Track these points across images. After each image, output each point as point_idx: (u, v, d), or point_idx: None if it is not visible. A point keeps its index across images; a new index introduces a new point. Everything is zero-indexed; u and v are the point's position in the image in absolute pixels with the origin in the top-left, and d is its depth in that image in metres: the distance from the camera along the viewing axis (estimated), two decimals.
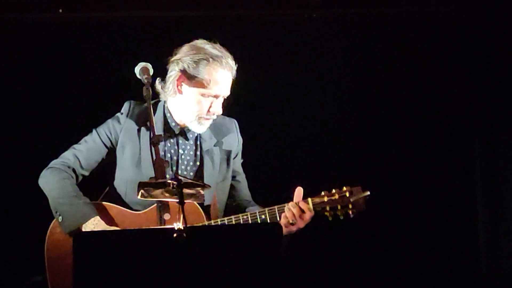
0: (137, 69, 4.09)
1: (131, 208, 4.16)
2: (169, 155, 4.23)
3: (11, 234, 5.13)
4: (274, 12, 5.32)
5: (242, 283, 3.34)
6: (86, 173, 4.21)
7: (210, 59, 4.13)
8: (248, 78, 5.04)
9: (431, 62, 5.38)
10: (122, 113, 4.26)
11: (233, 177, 4.35)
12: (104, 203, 4.16)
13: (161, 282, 3.29)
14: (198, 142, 4.27)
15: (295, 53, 5.35)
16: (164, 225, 3.93)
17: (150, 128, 3.86)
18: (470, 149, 5.44)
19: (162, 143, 4.17)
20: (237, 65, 4.21)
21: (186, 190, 3.45)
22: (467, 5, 5.32)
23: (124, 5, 5.23)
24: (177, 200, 3.41)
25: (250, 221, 4.02)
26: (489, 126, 5.41)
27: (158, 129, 4.18)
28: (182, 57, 4.17)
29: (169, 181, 3.46)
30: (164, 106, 4.28)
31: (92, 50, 5.20)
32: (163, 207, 3.94)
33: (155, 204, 4.09)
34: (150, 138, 3.88)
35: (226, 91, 4.18)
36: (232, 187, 4.33)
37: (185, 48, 4.22)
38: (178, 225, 3.26)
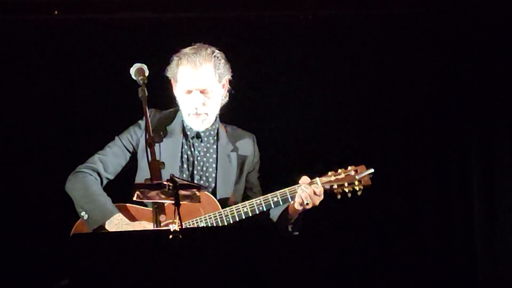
0: (132, 70, 4.11)
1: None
2: (185, 156, 4.39)
3: (35, 236, 5.15)
4: (270, 14, 5.32)
5: (238, 284, 3.34)
6: (111, 177, 4.42)
7: (175, 58, 4.38)
8: (243, 79, 5.06)
9: (427, 64, 5.38)
10: (143, 120, 4.39)
11: (250, 189, 4.49)
12: (123, 204, 4.32)
13: (157, 283, 3.29)
14: (215, 146, 4.43)
15: (290, 54, 5.35)
16: (160, 226, 3.92)
17: (146, 129, 3.88)
18: (467, 150, 5.44)
19: (179, 146, 4.38)
20: (213, 60, 4.33)
21: (182, 192, 3.45)
22: (462, 7, 5.32)
23: (120, 6, 5.22)
24: (173, 202, 3.40)
25: (263, 205, 4.22)
26: (486, 127, 5.41)
27: (177, 134, 4.40)
28: (168, 65, 4.43)
29: (165, 182, 3.46)
30: (181, 113, 4.46)
31: (87, 52, 5.20)
32: (159, 208, 3.94)
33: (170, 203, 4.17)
34: (146, 139, 3.88)
35: (194, 85, 4.32)
36: (248, 198, 4.42)
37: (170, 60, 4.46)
38: (174, 226, 3.26)
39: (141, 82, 4.03)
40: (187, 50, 4.36)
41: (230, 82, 4.45)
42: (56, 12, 5.16)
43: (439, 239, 5.43)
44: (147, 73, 4.08)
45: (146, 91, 4.00)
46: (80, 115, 5.24)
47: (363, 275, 5.37)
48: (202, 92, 4.32)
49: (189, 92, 4.33)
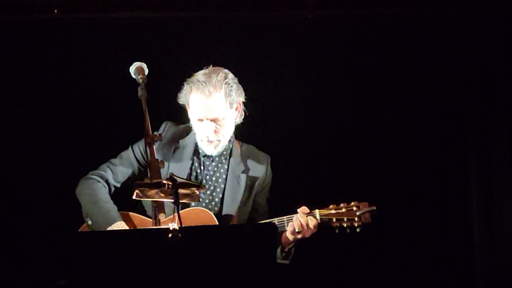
0: (131, 69, 4.11)
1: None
2: (194, 174, 4.41)
3: (39, 237, 5.13)
4: (270, 14, 5.32)
5: (237, 283, 3.34)
6: (118, 185, 4.43)
7: (186, 85, 4.36)
8: (243, 80, 5.05)
9: (427, 63, 5.38)
10: (157, 131, 4.41)
11: (256, 210, 4.49)
12: (129, 213, 4.35)
13: (156, 282, 3.29)
14: (227, 166, 4.43)
15: (290, 54, 5.34)
16: (159, 225, 3.92)
17: (145, 129, 3.87)
18: (466, 149, 5.44)
19: (189, 163, 4.40)
20: (224, 87, 4.30)
21: (181, 190, 3.45)
22: (462, 6, 5.32)
23: (120, 6, 5.22)
24: (172, 200, 3.40)
25: None
26: (485, 126, 5.41)
27: (188, 151, 4.41)
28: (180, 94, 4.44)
29: (164, 181, 3.46)
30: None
31: (87, 51, 5.19)
32: (158, 207, 3.94)
33: (173, 215, 4.20)
34: (145, 139, 3.88)
35: (205, 114, 4.31)
36: (253, 218, 4.45)
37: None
38: (173, 225, 3.26)
39: (140, 81, 4.03)
40: (199, 76, 4.32)
41: (245, 103, 4.44)
42: (55, 11, 5.16)
43: (437, 242, 5.43)
44: (146, 72, 4.08)
45: (145, 90, 3.99)
46: (79, 115, 5.24)
47: (360, 273, 5.37)
48: (213, 120, 4.31)
49: (201, 120, 4.31)
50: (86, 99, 5.24)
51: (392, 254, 5.39)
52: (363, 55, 5.37)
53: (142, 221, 4.30)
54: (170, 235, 3.24)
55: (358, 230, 4.24)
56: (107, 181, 4.39)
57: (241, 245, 3.39)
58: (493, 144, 5.42)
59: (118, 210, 4.33)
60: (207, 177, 4.41)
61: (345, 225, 4.22)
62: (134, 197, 3.51)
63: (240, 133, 4.57)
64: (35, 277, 4.88)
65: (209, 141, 4.33)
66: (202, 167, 4.41)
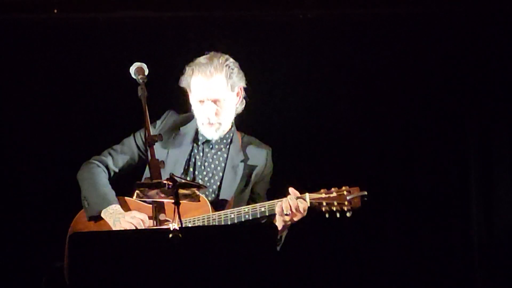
0: (132, 69, 4.11)
1: None
2: (193, 160, 4.41)
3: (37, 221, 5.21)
4: (269, 13, 5.32)
5: (238, 283, 3.34)
6: (118, 171, 4.47)
7: (188, 68, 4.38)
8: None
9: (426, 62, 5.38)
10: (160, 119, 4.48)
11: (253, 199, 4.46)
12: (125, 197, 4.37)
13: (157, 282, 3.29)
14: (226, 155, 4.43)
15: (290, 54, 5.35)
16: (160, 225, 3.92)
17: (145, 129, 3.87)
18: (466, 148, 5.44)
19: (188, 149, 4.40)
20: (225, 69, 4.33)
21: (181, 191, 3.44)
22: (462, 5, 5.32)
23: (119, 5, 5.22)
24: (173, 201, 3.40)
25: (250, 214, 4.16)
26: (485, 125, 5.42)
27: (189, 137, 4.42)
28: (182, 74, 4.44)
29: (164, 181, 3.46)
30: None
31: (87, 51, 5.19)
32: (159, 207, 3.94)
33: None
34: (145, 139, 3.88)
35: (206, 95, 4.32)
36: None
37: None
38: (174, 225, 3.26)
39: (140, 81, 4.04)
40: (200, 59, 4.36)
41: (246, 90, 4.45)
42: (55, 11, 5.16)
43: (437, 237, 5.44)
44: (146, 72, 4.08)
45: (145, 90, 4.00)
46: (79, 114, 5.24)
47: (358, 271, 5.38)
48: (214, 102, 4.33)
49: (202, 102, 4.33)
50: (86, 98, 5.24)
51: (392, 254, 5.40)
52: (363, 53, 5.38)
53: (139, 205, 4.29)
54: (170, 235, 3.23)
55: (348, 214, 4.15)
56: (107, 166, 4.43)
57: (242, 245, 3.39)
58: (493, 141, 5.43)
59: (117, 195, 4.35)
60: (206, 163, 4.41)
61: (334, 209, 4.14)
62: (134, 197, 3.51)
63: (242, 127, 4.57)
64: (33, 277, 4.88)
65: (210, 123, 4.34)
66: (201, 154, 4.42)
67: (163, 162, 3.80)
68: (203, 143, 4.43)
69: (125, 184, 4.42)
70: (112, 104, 5.20)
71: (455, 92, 5.41)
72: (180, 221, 3.33)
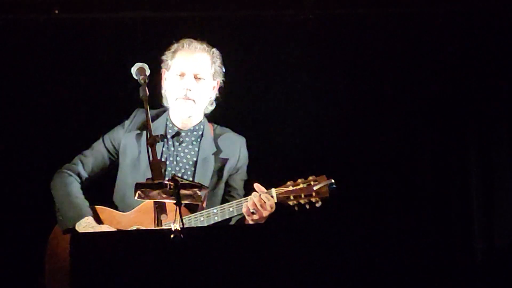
0: (133, 70, 4.11)
1: (130, 209, 4.29)
2: (165, 156, 4.36)
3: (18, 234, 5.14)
4: (270, 13, 5.32)
5: (239, 283, 3.34)
6: (91, 177, 4.42)
7: (176, 45, 4.40)
8: (243, 79, 5.06)
9: (427, 63, 5.38)
10: (129, 118, 4.44)
11: (229, 192, 4.43)
12: (97, 206, 4.33)
13: (158, 283, 3.29)
14: (197, 149, 4.37)
15: (291, 54, 5.35)
16: (161, 226, 3.92)
17: (147, 130, 3.87)
18: (466, 148, 5.45)
19: (160, 145, 4.34)
20: (211, 54, 4.38)
21: (183, 191, 3.44)
22: (464, 5, 5.32)
23: (120, 5, 5.22)
24: (174, 201, 3.40)
25: (219, 215, 4.12)
26: (485, 125, 5.42)
27: (159, 133, 4.28)
28: (163, 59, 4.44)
29: (166, 182, 3.46)
30: (167, 112, 4.45)
31: (88, 51, 5.19)
32: (160, 208, 3.94)
33: (139, 207, 4.23)
34: (147, 139, 3.88)
35: (189, 68, 4.32)
36: (226, 201, 4.37)
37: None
38: (175, 226, 3.26)
39: (142, 81, 4.03)
40: (186, 39, 4.40)
41: (221, 88, 4.44)
42: (56, 11, 5.16)
43: (437, 236, 5.44)
44: (148, 73, 4.08)
45: (147, 91, 4.00)
46: (80, 114, 5.24)
47: (357, 268, 5.38)
48: (195, 77, 4.32)
49: (183, 75, 4.32)
50: (87, 98, 5.23)
51: (392, 255, 5.40)
52: (363, 54, 5.38)
53: (110, 215, 4.29)
54: (172, 235, 3.23)
55: (318, 205, 4.09)
56: (78, 174, 4.38)
57: (244, 245, 3.40)
58: (493, 141, 5.43)
59: (91, 203, 4.32)
60: (177, 158, 4.36)
61: (303, 202, 4.07)
62: (136, 197, 3.51)
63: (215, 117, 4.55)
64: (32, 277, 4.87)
65: (186, 97, 4.30)
66: (172, 148, 4.37)
67: (164, 162, 3.80)
68: (172, 137, 4.38)
69: (95, 190, 4.41)
70: (114, 104, 5.18)
71: (455, 93, 5.42)
72: (182, 221, 3.33)
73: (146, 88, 4.01)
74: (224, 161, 4.39)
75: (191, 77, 4.32)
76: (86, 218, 4.23)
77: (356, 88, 5.39)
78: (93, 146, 4.44)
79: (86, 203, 4.30)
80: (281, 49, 5.35)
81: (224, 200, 4.38)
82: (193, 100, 4.33)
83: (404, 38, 5.36)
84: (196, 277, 3.31)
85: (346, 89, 5.39)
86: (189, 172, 4.34)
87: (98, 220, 4.27)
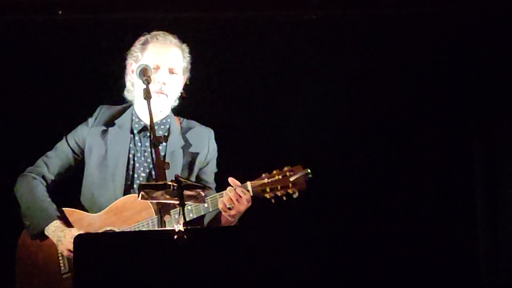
0: (136, 70, 4.09)
1: (97, 210, 4.21)
2: (132, 152, 4.27)
3: None
4: (274, 14, 5.32)
5: (243, 284, 3.34)
6: (57, 179, 4.33)
7: (150, 38, 4.28)
8: (248, 79, 5.06)
9: (431, 62, 5.38)
10: (92, 116, 4.35)
11: None
12: (65, 208, 4.25)
13: (162, 284, 3.28)
14: (165, 144, 4.29)
15: (294, 55, 5.35)
16: (164, 227, 3.91)
17: (150, 131, 3.84)
18: (470, 147, 5.45)
19: (127, 141, 4.26)
20: (182, 48, 4.31)
21: (186, 192, 3.44)
22: (467, 5, 5.31)
23: (123, 6, 5.22)
24: (178, 202, 3.40)
25: (193, 212, 4.03)
26: (489, 124, 5.42)
27: (125, 129, 4.28)
28: (129, 50, 4.34)
29: (169, 182, 3.45)
30: (132, 107, 4.36)
31: (92, 51, 5.19)
32: (163, 209, 3.93)
33: (109, 207, 4.17)
34: (150, 140, 3.86)
35: (164, 61, 4.24)
36: None
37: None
38: (179, 226, 3.25)
39: (145, 82, 4.00)
40: (155, 32, 4.30)
41: (186, 85, 4.36)
42: (59, 12, 5.16)
43: (442, 238, 5.44)
44: (150, 73, 4.07)
45: (150, 91, 3.97)
46: (82, 114, 5.23)
47: (363, 272, 5.38)
48: (170, 71, 4.24)
49: (157, 68, 4.22)
50: (89, 97, 5.21)
51: (395, 255, 5.40)
52: (367, 54, 5.38)
53: (79, 216, 4.21)
54: (175, 236, 3.23)
55: (295, 196, 4.00)
56: (43, 176, 4.28)
57: (248, 246, 3.39)
58: (497, 142, 5.44)
59: (58, 206, 4.23)
60: (145, 153, 4.27)
61: (279, 194, 3.99)
62: (139, 198, 3.50)
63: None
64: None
65: (160, 91, 4.21)
66: (139, 144, 4.28)
67: (168, 163, 3.77)
68: (139, 132, 4.29)
69: (61, 192, 4.32)
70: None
71: (459, 92, 5.42)
72: (185, 222, 3.32)
73: (149, 89, 3.99)
74: (194, 155, 4.31)
75: (165, 71, 4.24)
76: (54, 221, 4.15)
77: (361, 89, 5.40)
78: (57, 146, 4.34)
79: (54, 206, 4.21)
80: (285, 49, 5.35)
81: None
82: (166, 95, 4.25)
83: (409, 38, 5.36)
84: (199, 278, 3.31)
85: (350, 90, 5.40)
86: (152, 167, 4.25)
87: (67, 223, 4.18)
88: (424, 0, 5.35)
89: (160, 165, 3.71)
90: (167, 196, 3.47)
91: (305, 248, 5.17)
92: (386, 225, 5.39)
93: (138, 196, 3.50)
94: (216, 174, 4.38)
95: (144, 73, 4.04)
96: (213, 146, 4.38)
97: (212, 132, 4.39)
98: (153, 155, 3.74)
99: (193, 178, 4.28)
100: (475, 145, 5.46)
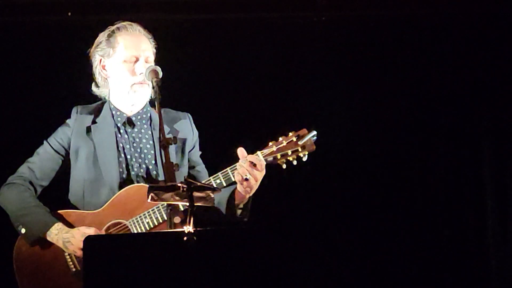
0: (146, 72, 4.09)
1: (90, 209, 4.19)
2: (121, 145, 4.25)
3: None
4: (282, 15, 5.32)
5: (253, 284, 3.34)
6: (45, 183, 4.29)
7: (116, 30, 4.25)
8: (257, 80, 5.05)
9: (442, 63, 5.38)
10: (70, 118, 4.31)
11: (193, 167, 4.35)
12: (60, 211, 4.21)
13: (172, 285, 3.28)
14: (150, 132, 4.29)
15: (304, 56, 5.36)
16: (174, 228, 3.91)
17: (160, 132, 3.83)
18: (480, 147, 5.46)
19: (113, 136, 4.24)
20: (149, 37, 4.27)
21: (196, 193, 3.44)
22: (482, 7, 5.31)
23: (132, 8, 5.23)
24: (187, 203, 3.40)
25: None
26: (499, 125, 5.42)
27: (108, 124, 4.25)
28: (96, 44, 4.29)
29: (179, 184, 3.45)
30: (109, 102, 4.32)
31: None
32: (173, 210, 3.92)
33: (111, 201, 4.14)
34: (159, 141, 3.86)
35: (144, 53, 4.22)
36: (192, 177, 4.30)
37: (97, 39, 4.32)
38: (189, 228, 3.25)
39: (154, 83, 3.99)
40: (118, 24, 4.26)
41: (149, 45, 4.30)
42: (69, 14, 5.17)
43: (452, 237, 5.44)
44: (160, 75, 4.06)
45: (159, 93, 3.97)
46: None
47: (373, 272, 5.38)
48: (146, 60, 4.21)
49: (136, 59, 4.20)
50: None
51: (404, 252, 5.40)
52: (376, 56, 5.39)
53: (79, 216, 4.17)
54: (185, 238, 3.23)
55: (304, 159, 4.01)
56: (30, 182, 4.24)
57: (258, 246, 3.39)
58: (507, 142, 5.44)
59: (51, 208, 4.19)
60: (134, 144, 4.25)
61: (291, 159, 4.00)
62: (149, 200, 3.50)
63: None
64: None
65: (143, 82, 4.17)
66: (126, 136, 4.26)
67: (177, 164, 3.76)
68: (123, 124, 4.27)
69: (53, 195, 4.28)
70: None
71: (470, 93, 5.42)
72: (195, 224, 3.32)
73: (159, 90, 3.98)
74: (183, 140, 4.30)
75: (143, 61, 4.21)
76: (55, 224, 4.11)
77: (370, 91, 5.40)
78: (38, 152, 4.29)
79: (47, 210, 4.18)
80: (295, 51, 5.36)
81: (190, 176, 4.29)
82: (148, 84, 4.20)
83: (419, 39, 5.37)
84: (209, 280, 3.31)
85: (359, 92, 5.40)
86: (149, 156, 4.25)
87: (68, 225, 4.15)
88: (437, 2, 5.35)
89: (169, 166, 3.70)
90: (177, 198, 3.47)
91: (317, 247, 5.18)
92: (397, 227, 5.40)
93: (148, 197, 3.50)
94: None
95: (154, 75, 4.03)
96: (195, 129, 4.39)
97: (189, 115, 4.39)
98: (163, 157, 3.73)
99: (185, 161, 4.29)
100: (484, 144, 5.46)
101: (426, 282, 5.39)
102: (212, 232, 3.63)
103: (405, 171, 5.44)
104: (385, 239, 5.39)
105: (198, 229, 3.29)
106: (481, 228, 5.43)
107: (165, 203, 3.77)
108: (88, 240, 3.36)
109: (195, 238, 3.22)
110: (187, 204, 3.39)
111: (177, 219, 3.92)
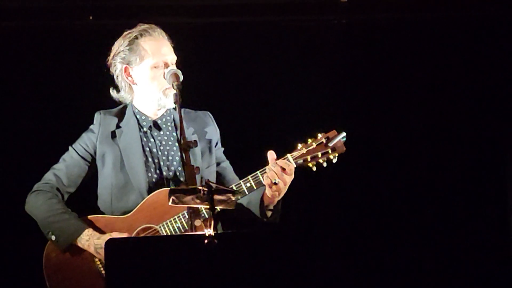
0: (167, 75, 4.09)
1: (118, 214, 4.19)
2: (147, 149, 4.24)
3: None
4: (303, 18, 5.32)
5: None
6: (71, 190, 4.28)
7: (139, 36, 4.20)
8: (277, 83, 5.05)
9: (466, 65, 5.37)
10: (94, 124, 4.29)
11: (218, 164, 4.34)
12: (89, 216, 4.20)
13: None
14: (175, 134, 4.27)
15: (324, 59, 5.35)
16: (195, 231, 3.92)
17: (180, 135, 3.83)
18: (502, 151, 5.43)
19: (139, 140, 4.22)
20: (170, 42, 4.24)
21: (216, 196, 3.44)
22: (504, 9, 5.30)
23: (152, 11, 5.25)
24: (208, 207, 3.40)
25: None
26: None
27: (133, 129, 4.24)
28: (116, 52, 4.24)
29: (199, 187, 3.45)
30: (132, 106, 4.31)
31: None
32: (194, 213, 3.93)
33: (140, 206, 4.14)
34: (179, 144, 3.86)
35: (171, 57, 4.19)
36: (218, 174, 4.31)
37: (114, 47, 4.28)
38: (209, 231, 3.25)
39: (175, 87, 3.99)
40: (140, 28, 4.22)
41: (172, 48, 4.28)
42: (90, 18, 5.19)
43: (474, 236, 5.43)
44: (181, 78, 4.06)
45: (180, 96, 3.97)
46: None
47: (395, 268, 5.38)
48: (172, 64, 4.20)
49: (165, 64, 4.17)
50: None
51: (432, 258, 5.39)
52: (395, 58, 5.37)
53: (108, 222, 4.17)
54: (206, 241, 3.23)
55: (334, 161, 3.97)
56: (57, 189, 4.23)
57: (278, 250, 3.39)
58: None
59: (79, 214, 4.18)
60: (161, 147, 4.23)
61: (321, 161, 3.96)
62: (170, 203, 3.51)
63: None
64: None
65: (169, 88, 4.12)
66: (152, 139, 4.25)
67: (198, 168, 3.76)
68: (149, 128, 4.26)
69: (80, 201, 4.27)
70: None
71: (495, 97, 5.40)
72: (216, 227, 3.32)
73: (179, 94, 3.98)
74: (209, 141, 4.30)
75: (170, 65, 4.18)
76: (86, 230, 4.10)
77: (392, 94, 5.40)
78: (64, 158, 4.28)
79: (76, 215, 4.17)
80: (316, 54, 5.36)
81: (218, 174, 4.31)
82: (176, 89, 4.11)
83: (438, 41, 5.35)
84: (229, 284, 3.31)
85: (382, 94, 5.40)
86: (177, 158, 4.24)
87: (97, 230, 4.15)
88: (454, 4, 5.33)
89: (190, 169, 3.70)
90: (197, 201, 3.47)
91: (338, 250, 5.17)
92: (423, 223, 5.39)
93: (169, 200, 3.51)
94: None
95: (175, 79, 4.03)
96: (216, 127, 4.37)
97: (210, 113, 4.38)
98: (184, 160, 3.73)
99: (214, 161, 4.27)
100: (507, 145, 5.45)
101: (453, 283, 5.38)
102: (233, 235, 3.64)
103: (428, 172, 5.43)
104: (410, 239, 5.39)
105: (218, 232, 3.30)
106: (503, 227, 5.41)
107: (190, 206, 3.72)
108: (109, 243, 3.37)
109: (216, 241, 3.22)
110: (208, 207, 3.40)
111: (198, 222, 3.92)
